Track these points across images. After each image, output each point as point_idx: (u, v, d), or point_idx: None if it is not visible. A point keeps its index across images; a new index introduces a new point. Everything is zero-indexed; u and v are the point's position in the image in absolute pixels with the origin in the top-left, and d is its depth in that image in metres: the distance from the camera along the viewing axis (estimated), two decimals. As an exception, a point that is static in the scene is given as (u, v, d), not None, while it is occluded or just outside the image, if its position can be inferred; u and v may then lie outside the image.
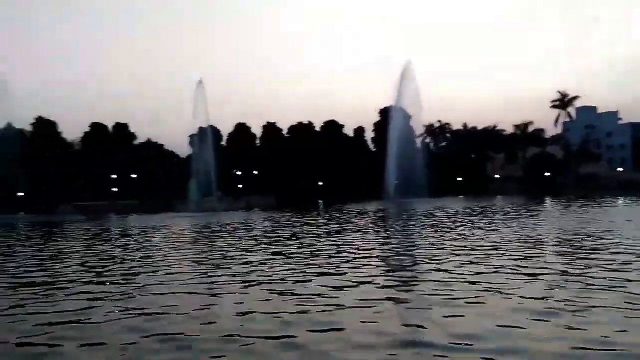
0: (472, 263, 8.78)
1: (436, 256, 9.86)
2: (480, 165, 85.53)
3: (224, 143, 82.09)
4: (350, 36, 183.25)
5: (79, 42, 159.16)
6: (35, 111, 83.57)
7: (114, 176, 75.23)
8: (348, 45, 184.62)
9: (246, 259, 10.61)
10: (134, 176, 76.47)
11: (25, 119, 73.42)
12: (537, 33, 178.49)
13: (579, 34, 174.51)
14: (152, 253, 12.37)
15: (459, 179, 78.42)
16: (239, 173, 79.06)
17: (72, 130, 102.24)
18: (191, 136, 62.52)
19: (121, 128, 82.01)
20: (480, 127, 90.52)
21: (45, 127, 75.96)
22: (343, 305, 6.03)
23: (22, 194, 59.76)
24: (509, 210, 25.85)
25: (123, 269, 9.86)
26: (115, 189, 74.19)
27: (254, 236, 16.36)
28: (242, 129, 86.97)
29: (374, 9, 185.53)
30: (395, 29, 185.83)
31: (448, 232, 14.71)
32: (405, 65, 50.97)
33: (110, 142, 78.66)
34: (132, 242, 16.15)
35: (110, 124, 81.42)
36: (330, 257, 10.29)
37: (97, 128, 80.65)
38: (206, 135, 46.93)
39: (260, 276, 8.31)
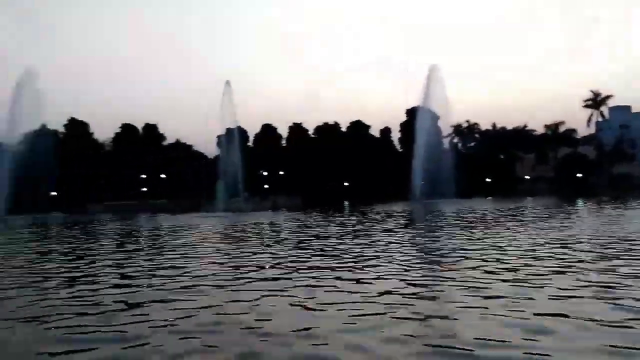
0: (500, 263, 8.64)
1: (461, 257, 9.73)
2: (509, 165, 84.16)
3: (250, 144, 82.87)
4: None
5: (110, 44, 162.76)
6: (68, 112, 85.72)
7: (144, 176, 76.80)
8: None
9: (271, 258, 10.67)
10: (163, 176, 77.91)
11: (59, 120, 75.63)
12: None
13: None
14: (180, 251, 12.56)
15: (488, 179, 77.29)
16: (265, 173, 79.70)
17: (103, 130, 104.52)
18: (218, 137, 63.37)
19: (150, 129, 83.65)
20: (509, 127, 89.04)
21: (77, 128, 78.08)
22: (362, 310, 6.01)
23: (55, 193, 61.56)
24: (538, 211, 25.32)
25: (150, 266, 10.04)
26: (144, 189, 75.76)
27: (279, 236, 16.46)
28: (268, 130, 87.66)
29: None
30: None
31: (474, 233, 14.49)
32: (431, 66, 51.22)
33: (140, 142, 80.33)
34: (160, 241, 16.45)
35: (140, 125, 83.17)
36: (355, 257, 10.26)
37: (127, 129, 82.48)
38: (233, 136, 47.43)
39: (285, 274, 8.34)
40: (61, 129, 76.22)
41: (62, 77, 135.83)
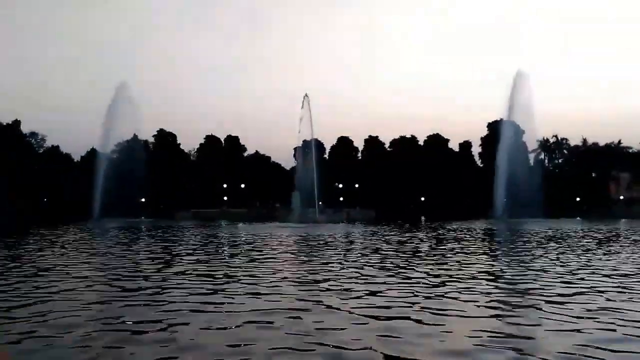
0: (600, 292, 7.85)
1: (549, 284, 8.99)
2: (601, 184, 78.32)
3: (326, 156, 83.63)
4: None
5: (195, 58, 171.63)
6: (157, 123, 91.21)
7: (225, 185, 79.82)
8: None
9: (347, 273, 10.46)
10: (243, 186, 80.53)
11: (150, 131, 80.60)
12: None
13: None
14: (256, 259, 12.71)
15: (577, 199, 72.45)
16: (340, 186, 79.95)
17: (189, 141, 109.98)
18: (295, 149, 64.62)
19: (232, 140, 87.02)
20: (602, 142, 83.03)
21: (165, 139, 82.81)
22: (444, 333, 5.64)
23: (144, 200, 65.41)
24: (636, 235, 23.16)
25: (230, 273, 10.19)
26: (225, 197, 78.71)
27: (354, 249, 16.23)
28: (344, 142, 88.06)
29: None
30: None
31: (565, 257, 13.43)
32: (516, 73, 48.00)
33: (223, 153, 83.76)
34: (238, 249, 16.80)
35: (222, 136, 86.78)
36: (435, 277, 9.80)
37: (211, 140, 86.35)
38: (310, 148, 47.98)
39: (364, 292, 8.11)
40: (151, 139, 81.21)
41: (152, 89, 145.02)
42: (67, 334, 5.28)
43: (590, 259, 12.70)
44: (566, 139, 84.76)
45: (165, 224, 38.67)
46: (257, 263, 12.07)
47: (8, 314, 6.29)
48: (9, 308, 6.60)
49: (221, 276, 9.81)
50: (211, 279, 9.43)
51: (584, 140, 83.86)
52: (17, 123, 76.82)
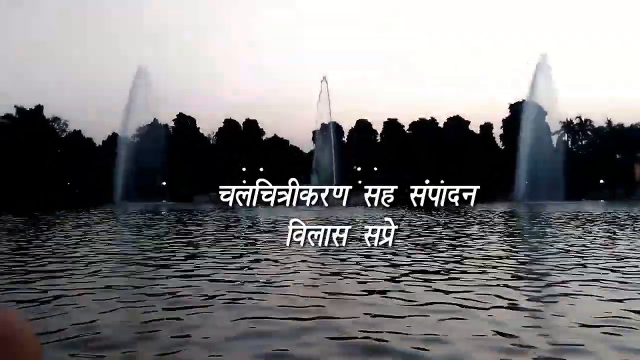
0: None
1: (569, 268, 8.80)
2: (625, 166, 76.54)
3: (344, 139, 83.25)
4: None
5: (213, 43, 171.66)
6: (177, 108, 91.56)
7: (244, 169, 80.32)
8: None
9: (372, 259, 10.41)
10: (261, 169, 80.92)
11: (169, 115, 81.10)
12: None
13: None
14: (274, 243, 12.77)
15: (601, 181, 71.05)
16: (359, 169, 79.66)
17: (209, 125, 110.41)
18: (314, 132, 64.41)
19: (251, 124, 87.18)
20: (627, 124, 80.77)
21: (185, 123, 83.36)
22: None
23: (164, 183, 66.22)
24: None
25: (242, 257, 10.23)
26: (244, 181, 79.28)
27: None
28: (362, 125, 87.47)
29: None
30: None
31: (587, 241, 13.17)
32: (540, 57, 47.41)
33: (241, 137, 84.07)
34: (256, 231, 16.89)
35: (241, 120, 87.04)
36: (449, 261, 9.69)
37: (230, 123, 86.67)
38: (328, 131, 47.89)
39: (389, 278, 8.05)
40: (171, 124, 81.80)
41: (171, 73, 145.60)
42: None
43: None
44: (590, 120, 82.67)
45: (183, 207, 39.12)
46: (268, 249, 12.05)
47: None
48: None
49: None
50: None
51: (609, 122, 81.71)
52: (40, 108, 78.03)
